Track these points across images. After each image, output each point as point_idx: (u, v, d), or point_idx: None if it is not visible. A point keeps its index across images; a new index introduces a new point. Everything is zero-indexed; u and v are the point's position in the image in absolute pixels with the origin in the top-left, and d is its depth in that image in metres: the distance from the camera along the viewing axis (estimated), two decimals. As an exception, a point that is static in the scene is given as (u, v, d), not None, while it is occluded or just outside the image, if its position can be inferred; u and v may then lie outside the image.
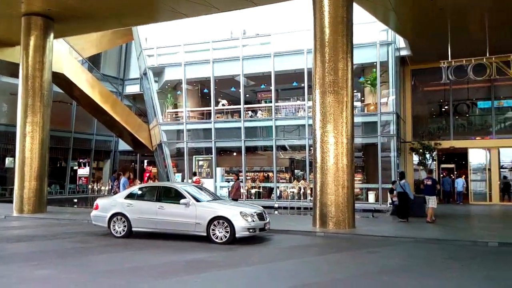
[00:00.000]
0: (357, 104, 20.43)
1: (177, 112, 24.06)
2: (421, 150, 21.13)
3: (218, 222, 9.88)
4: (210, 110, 22.54)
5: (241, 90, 21.86)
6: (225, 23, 21.50)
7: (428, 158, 21.29)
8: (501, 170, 21.80)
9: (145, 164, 35.19)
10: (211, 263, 8.03)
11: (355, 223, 12.53)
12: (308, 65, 19.24)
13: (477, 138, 22.02)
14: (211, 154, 22.31)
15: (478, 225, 14.08)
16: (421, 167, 21.74)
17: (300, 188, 20.39)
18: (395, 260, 8.49)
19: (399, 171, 17.32)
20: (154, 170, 31.34)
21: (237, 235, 9.77)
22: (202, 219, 10.00)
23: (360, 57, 18.33)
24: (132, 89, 32.13)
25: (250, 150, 22.90)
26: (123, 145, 31.35)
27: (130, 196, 11.15)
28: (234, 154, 23.35)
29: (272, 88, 21.33)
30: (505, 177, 21.89)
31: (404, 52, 20.52)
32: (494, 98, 21.65)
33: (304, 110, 20.89)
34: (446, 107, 22.70)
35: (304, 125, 20.61)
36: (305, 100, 20.71)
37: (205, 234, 9.96)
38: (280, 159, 22.61)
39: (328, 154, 12.27)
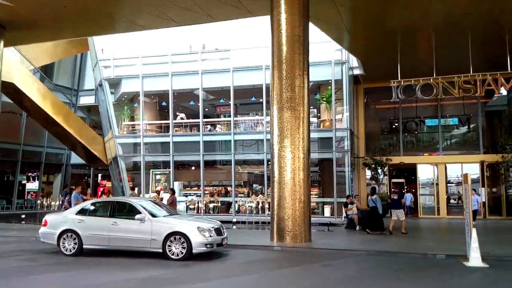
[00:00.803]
0: (313, 120, 20.96)
1: (134, 125, 23.58)
2: (373, 165, 22.02)
3: (175, 238, 9.71)
4: (169, 123, 22.28)
5: (200, 104, 21.83)
6: (185, 37, 21.50)
7: (380, 173, 22.20)
8: (448, 185, 23.03)
9: (99, 178, 34.02)
10: (166, 280, 7.88)
11: (312, 236, 12.74)
12: (267, 81, 19.60)
13: (425, 154, 23.19)
14: (169, 168, 21.98)
15: (427, 237, 14.72)
16: (374, 182, 22.59)
17: (258, 203, 20.48)
18: (348, 273, 8.72)
19: (371, 187, 17.97)
20: (108, 184, 30.36)
21: (194, 251, 9.64)
22: (158, 235, 9.78)
23: (316, 74, 18.93)
24: (86, 100, 31.13)
25: (209, 164, 22.79)
26: (75, 158, 30.15)
27: (82, 212, 10.76)
28: (193, 168, 23.14)
29: (231, 102, 21.46)
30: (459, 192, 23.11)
31: (357, 71, 21.43)
32: (440, 116, 22.97)
33: (263, 125, 21.15)
34: (396, 124, 23.81)
35: (263, 139, 20.83)
36: (264, 115, 21.00)
37: (161, 250, 9.73)
38: (239, 174, 22.65)
39: (286, 168, 12.48)
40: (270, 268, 9.35)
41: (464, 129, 23.45)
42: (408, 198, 22.47)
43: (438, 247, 11.78)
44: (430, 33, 16.12)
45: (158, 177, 22.78)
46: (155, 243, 9.78)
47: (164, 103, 23.09)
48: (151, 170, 22.70)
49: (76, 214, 10.69)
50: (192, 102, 23.00)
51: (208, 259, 9.80)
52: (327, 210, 20.18)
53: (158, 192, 16.39)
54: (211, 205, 21.46)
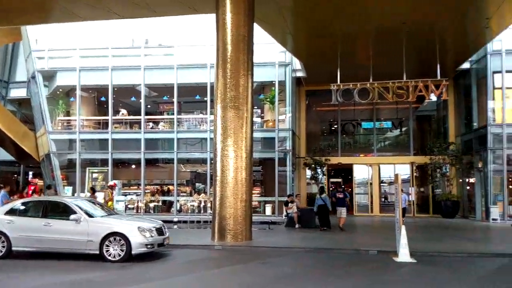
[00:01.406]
0: (257, 120, 21.21)
1: (69, 120, 22.41)
2: (313, 165, 22.74)
3: (114, 239, 9.36)
4: (108, 119, 21.45)
5: (142, 101, 21.24)
6: (127, 30, 20.81)
7: (319, 173, 22.98)
8: (381, 184, 24.37)
9: (30, 176, 31.88)
10: (99, 283, 7.61)
11: (252, 235, 12.91)
12: (211, 80, 19.49)
13: (361, 155, 24.35)
14: (107, 166, 21.16)
15: (361, 234, 15.47)
16: (313, 181, 23.34)
17: (200, 202, 20.34)
18: (286, 270, 8.95)
19: (320, 186, 18.64)
20: (40, 183, 28.56)
21: (133, 252, 9.36)
22: (95, 235, 9.40)
23: (260, 75, 19.18)
24: (17, 93, 28.95)
25: (150, 162, 22.24)
26: (4, 155, 28.00)
27: (11, 212, 10.09)
28: (133, 166, 22.47)
29: (175, 100, 21.12)
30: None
31: (300, 74, 22.02)
32: (376, 120, 24.25)
33: (207, 124, 21.05)
34: (335, 126, 24.77)
35: (206, 138, 20.72)
36: (208, 114, 20.90)
37: (98, 252, 9.37)
38: (182, 172, 22.34)
39: (228, 167, 12.53)
40: (210, 267, 9.35)
41: (396, 132, 24.94)
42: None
43: (370, 243, 12.41)
44: (368, 40, 16.96)
45: (95, 175, 21.83)
46: (92, 245, 9.39)
47: (103, 98, 22.16)
48: (87, 168, 21.70)
49: (5, 214, 10.01)
50: (133, 98, 22.31)
51: (149, 260, 9.59)
52: (268, 209, 20.51)
53: (111, 187, 15.63)
54: (151, 205, 20.96)
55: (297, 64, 21.28)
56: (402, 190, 17.46)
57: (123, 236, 9.36)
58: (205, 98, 20.91)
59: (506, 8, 14.03)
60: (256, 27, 14.43)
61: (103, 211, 10.78)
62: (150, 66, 21.24)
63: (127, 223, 9.97)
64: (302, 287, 7.30)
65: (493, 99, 19.19)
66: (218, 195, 12.59)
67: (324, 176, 23.62)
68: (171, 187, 21.82)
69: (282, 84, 20.75)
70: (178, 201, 20.95)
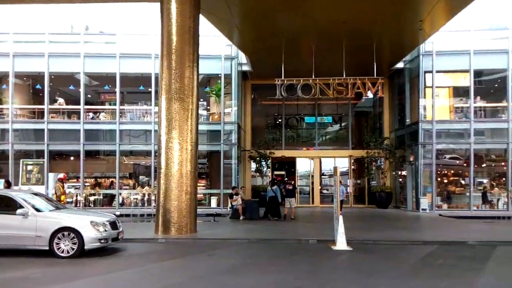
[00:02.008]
0: (203, 112, 21.17)
1: (1, 108, 20.95)
2: (258, 158, 23.14)
3: (64, 234, 9.01)
4: (43, 108, 20.31)
5: (82, 89, 20.34)
6: (66, 16, 19.78)
7: (263, 165, 23.44)
8: (322, 177, 25.35)
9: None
10: (34, 280, 7.29)
11: (197, 227, 12.96)
12: (156, 70, 19.14)
13: (303, 149, 25.14)
14: (43, 158, 20.08)
15: (302, 225, 16.05)
16: (258, 174, 23.77)
17: (144, 195, 19.94)
18: (230, 261, 9.13)
19: (271, 179, 18.98)
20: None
21: (86, 247, 9.09)
22: (44, 231, 8.99)
23: (206, 68, 19.15)
24: None
25: (91, 154, 21.42)
26: None
27: None
28: (72, 158, 21.51)
29: (117, 90, 20.46)
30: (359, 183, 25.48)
31: (245, 67, 22.25)
32: (317, 115, 25.13)
33: (151, 115, 20.63)
34: (279, 120, 25.33)
35: (151, 130, 20.32)
36: (152, 105, 20.48)
37: (47, 248, 8.97)
38: (124, 165, 21.75)
39: (173, 160, 12.45)
40: (153, 260, 9.30)
41: (337, 127, 26.01)
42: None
43: (311, 233, 12.95)
44: (311, 37, 17.50)
45: (29, 167, 20.61)
46: (41, 240, 8.99)
47: (39, 86, 20.93)
48: (21, 160, 20.45)
49: None
50: (72, 87, 21.31)
51: (102, 255, 9.33)
52: (213, 201, 20.62)
53: (61, 180, 14.69)
54: (91, 198, 20.23)
55: (243, 58, 21.47)
56: (340, 182, 18.45)
57: (74, 231, 9.03)
58: (150, 89, 20.48)
59: (437, 12, 15.13)
60: (203, 19, 14.39)
61: (51, 205, 10.31)
62: (90, 54, 20.38)
63: (78, 217, 9.62)
64: (246, 277, 7.52)
65: (424, 97, 20.64)
66: (163, 188, 12.49)
67: (269, 169, 24.12)
68: (113, 180, 21.18)
69: (228, 77, 20.84)
70: (120, 194, 20.41)
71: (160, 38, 12.97)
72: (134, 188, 20.98)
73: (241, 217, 16.85)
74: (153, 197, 19.11)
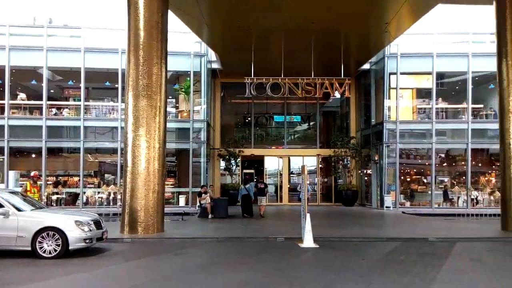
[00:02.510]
0: (172, 110, 20.92)
1: (-44, 103, 19.94)
2: (227, 157, 23.10)
3: (48, 234, 8.73)
4: (4, 104, 19.45)
5: (44, 84, 19.65)
6: (28, 8, 19.04)
7: (233, 164, 23.42)
8: (291, 175, 25.62)
9: None
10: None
11: (165, 226, 12.82)
12: (123, 66, 18.73)
13: (272, 147, 25.33)
14: (3, 155, 19.24)
15: (270, 223, 16.16)
16: (227, 172, 23.73)
17: (110, 193, 19.52)
18: (198, 260, 9.08)
19: (244, 177, 19.04)
20: None
21: (71, 247, 8.84)
22: (27, 231, 8.70)
23: (175, 64, 18.95)
24: None
25: (53, 151, 20.73)
26: None
27: None
28: (33, 155, 20.72)
29: (82, 85, 19.89)
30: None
31: (215, 65, 22.14)
32: (286, 114, 25.36)
33: (117, 112, 20.18)
34: (249, 118, 25.38)
35: (117, 127, 19.88)
36: (119, 101, 20.04)
37: (29, 248, 8.68)
38: (89, 162, 21.17)
39: (140, 158, 12.25)
40: (117, 261, 9.10)
41: (305, 126, 26.36)
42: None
43: (279, 231, 13.07)
44: (281, 36, 17.62)
45: (-13, 165, 19.70)
46: (23, 241, 8.69)
47: (-2, 81, 20.06)
48: (-22, 157, 19.53)
49: None
50: (34, 82, 20.52)
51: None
52: (182, 200, 20.43)
53: (33, 178, 13.95)
54: (54, 197, 19.56)
55: (212, 55, 21.36)
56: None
57: (58, 231, 8.77)
58: (116, 85, 20.05)
59: (402, 15, 15.60)
60: (171, 15, 14.19)
61: (31, 204, 9.95)
62: (54, 48, 19.73)
63: (62, 216, 9.31)
64: (213, 276, 7.50)
65: (389, 98, 21.25)
66: (129, 186, 12.26)
67: (238, 167, 24.13)
68: (76, 178, 20.58)
69: (197, 74, 20.69)
70: (84, 193, 19.86)
71: (127, 33, 12.70)
72: (99, 186, 20.48)
73: (210, 216, 16.77)
74: (119, 196, 18.74)
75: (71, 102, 21.18)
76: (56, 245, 8.76)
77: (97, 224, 9.58)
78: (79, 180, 20.00)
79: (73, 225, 8.94)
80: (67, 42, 20.17)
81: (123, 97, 18.89)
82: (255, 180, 18.74)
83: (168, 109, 18.92)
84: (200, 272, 7.86)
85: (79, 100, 20.21)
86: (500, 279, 7.40)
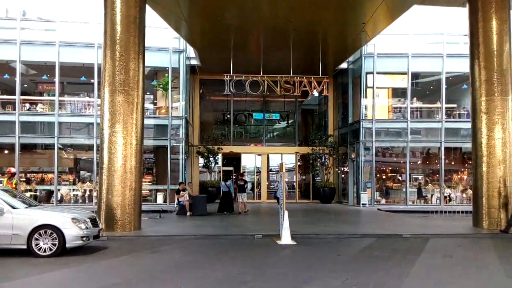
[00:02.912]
0: (150, 106, 20.68)
1: None
2: (206, 154, 23.01)
3: (45, 232, 8.57)
4: (-27, 98, 18.86)
5: (18, 79, 19.11)
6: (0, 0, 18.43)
7: (212, 161, 23.35)
8: (269, 173, 25.72)
9: None
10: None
11: (142, 224, 12.70)
12: (99, 61, 18.38)
13: (251, 145, 25.37)
14: (-28, 151, 18.65)
15: (249, 220, 16.22)
16: (206, 170, 23.65)
17: (85, 191, 19.16)
18: (175, 258, 9.03)
19: (224, 174, 19.12)
20: None
21: (68, 245, 8.68)
22: (22, 229, 8.52)
23: (153, 60, 18.73)
24: None
25: (27, 147, 20.19)
26: None
27: None
28: (6, 151, 20.14)
29: (56, 80, 19.45)
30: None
31: (194, 62, 22.01)
32: (265, 111, 25.43)
33: (94, 108, 19.80)
34: (228, 116, 25.34)
35: (93, 123, 19.53)
36: (95, 97, 19.67)
37: (25, 246, 8.52)
38: (64, 159, 20.72)
39: (116, 155, 12.07)
40: (93, 259, 8.96)
41: (284, 124, 26.51)
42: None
43: (257, 228, 13.14)
44: (260, 34, 17.67)
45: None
46: (18, 239, 8.50)
47: (-32, 74, 19.40)
48: None
49: None
50: (7, 76, 19.92)
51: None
52: (160, 197, 20.26)
53: (7, 175, 13.38)
54: (27, 194, 19.03)
55: (191, 52, 21.20)
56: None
57: (55, 229, 8.61)
58: (92, 80, 19.68)
59: (379, 15, 15.86)
60: (150, 10, 14.02)
61: (24, 202, 9.72)
62: (27, 41, 19.23)
63: (59, 214, 9.10)
64: (190, 274, 7.47)
65: (366, 97, 21.60)
66: (105, 183, 12.08)
67: (217, 165, 24.07)
68: (51, 175, 20.11)
69: (176, 71, 20.51)
70: (59, 190, 19.44)
71: (103, 27, 12.48)
72: (74, 183, 20.07)
73: (188, 213, 16.70)
74: (94, 193, 18.42)
75: (45, 97, 20.67)
76: (52, 243, 8.62)
77: (93, 221, 9.47)
78: (54, 177, 19.56)
79: (70, 222, 8.79)
80: (41, 35, 19.69)
81: (99, 92, 18.57)
82: (233, 177, 18.85)
83: (146, 105, 18.70)
84: (176, 270, 7.82)
85: (54, 95, 19.76)
86: (470, 274, 7.65)
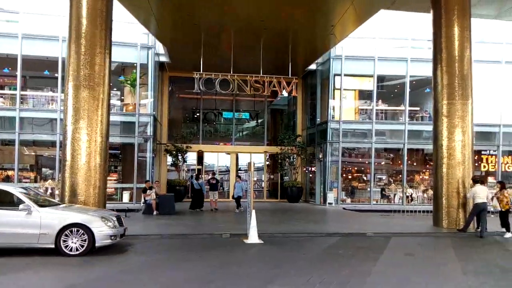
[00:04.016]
0: (116, 102, 20.23)
1: None
2: (174, 152, 22.74)
3: (73, 231, 8.42)
4: None
5: (-25, 72, 18.23)
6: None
7: (180, 159, 23.12)
8: (239, 172, 25.72)
9: None
10: None
11: (106, 223, 12.38)
12: (64, 54, 17.80)
13: (221, 144, 25.29)
14: None
15: (217, 219, 16.15)
16: (174, 168, 23.38)
17: (47, 189, 18.48)
18: (140, 258, 8.88)
19: (196, 173, 19.00)
20: None
21: (97, 244, 8.57)
22: (50, 228, 8.35)
23: (121, 55, 18.35)
24: None
25: (-16, 143, 19.32)
26: None
27: None
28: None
29: (18, 73, 18.70)
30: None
31: (163, 58, 21.68)
32: (235, 110, 25.41)
33: (57, 103, 19.16)
34: (197, 114, 25.15)
35: (56, 119, 18.90)
36: (59, 92, 19.04)
37: (53, 246, 8.37)
38: (25, 156, 19.94)
39: (80, 152, 11.76)
40: (56, 262, 8.68)
41: (253, 123, 26.57)
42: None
43: (224, 227, 13.09)
44: (230, 33, 17.62)
45: None
46: (46, 238, 8.32)
47: None
48: None
49: None
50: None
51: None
52: (126, 196, 19.87)
53: None
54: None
55: (161, 48, 20.90)
56: (240, 178, 18.82)
57: (84, 227, 8.47)
58: (56, 74, 19.03)
59: (347, 18, 16.17)
60: (118, 4, 13.71)
61: (47, 201, 9.51)
62: (-13, 32, 18.34)
63: (87, 213, 9.02)
64: (155, 274, 7.37)
65: (333, 98, 21.99)
66: (68, 181, 11.74)
67: (185, 163, 23.84)
68: (11, 173, 19.30)
69: (144, 67, 20.16)
70: (18, 188, 18.66)
71: (68, 20, 12.12)
72: (35, 181, 19.35)
73: (155, 212, 16.46)
74: (57, 192, 17.78)
75: (6, 91, 19.87)
76: (81, 242, 8.48)
77: (119, 220, 9.34)
78: (14, 174, 18.79)
79: (100, 221, 8.69)
80: (3, 27, 18.90)
81: (63, 87, 17.99)
82: (202, 176, 18.92)
83: (113, 101, 18.30)
84: (142, 270, 7.70)
85: (15, 89, 19.00)
86: (429, 271, 7.95)
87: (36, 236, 8.38)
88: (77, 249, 8.49)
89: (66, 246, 8.47)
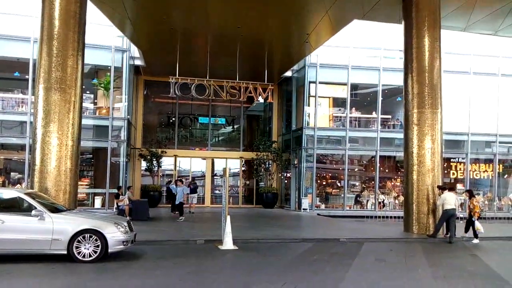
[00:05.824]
0: (89, 106, 19.82)
1: None
2: (149, 157, 22.44)
3: (84, 237, 8.28)
4: None
5: None
6: None
7: (155, 164, 22.81)
8: (214, 177, 25.61)
9: None
10: None
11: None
12: (35, 56, 17.33)
13: (196, 149, 25.13)
14: None
15: (191, 225, 15.98)
16: (149, 173, 23.05)
17: (14, 194, 17.84)
18: (111, 265, 8.59)
19: (176, 178, 19.25)
20: None
21: (110, 250, 8.45)
22: (63, 233, 8.20)
23: (94, 58, 18.04)
24: None
25: None
26: None
27: None
28: None
29: (-14, 74, 18.07)
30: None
31: (138, 62, 21.43)
32: (211, 116, 25.34)
33: (27, 105, 18.61)
34: (173, 119, 24.94)
35: (26, 122, 18.34)
36: (29, 94, 18.49)
37: (65, 252, 8.23)
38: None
39: (50, 156, 11.45)
40: (26, 267, 8.39)
41: (229, 128, 26.55)
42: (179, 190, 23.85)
43: (199, 234, 12.98)
44: (207, 38, 17.62)
45: None
46: (58, 244, 8.17)
47: None
48: None
49: None
50: None
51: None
52: (98, 202, 19.45)
53: None
54: None
55: (136, 52, 20.65)
56: (182, 182, 18.16)
57: (97, 233, 8.34)
58: (27, 76, 18.50)
59: (322, 27, 16.45)
60: (92, 6, 13.49)
61: (56, 206, 9.26)
62: (-48, 31, 17.66)
63: (99, 218, 8.97)
64: (127, 282, 7.23)
65: (309, 105, 22.27)
66: (37, 186, 11.38)
67: (160, 168, 23.54)
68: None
69: (118, 70, 19.88)
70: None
71: (40, 21, 11.83)
72: (3, 186, 18.66)
73: (128, 218, 16.11)
74: (25, 197, 17.23)
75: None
76: (94, 248, 8.34)
77: (130, 225, 9.21)
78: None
79: (113, 226, 8.60)
80: (-31, 26, 18.24)
81: (34, 89, 17.51)
82: (174, 180, 18.81)
83: (86, 104, 17.94)
84: (112, 277, 7.53)
85: (-18, 90, 18.33)
86: (400, 276, 8.12)
87: (48, 242, 8.22)
88: (90, 255, 8.36)
89: (79, 253, 8.33)
